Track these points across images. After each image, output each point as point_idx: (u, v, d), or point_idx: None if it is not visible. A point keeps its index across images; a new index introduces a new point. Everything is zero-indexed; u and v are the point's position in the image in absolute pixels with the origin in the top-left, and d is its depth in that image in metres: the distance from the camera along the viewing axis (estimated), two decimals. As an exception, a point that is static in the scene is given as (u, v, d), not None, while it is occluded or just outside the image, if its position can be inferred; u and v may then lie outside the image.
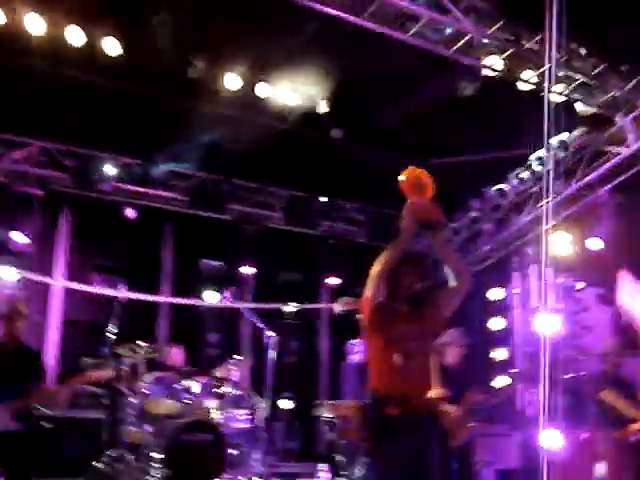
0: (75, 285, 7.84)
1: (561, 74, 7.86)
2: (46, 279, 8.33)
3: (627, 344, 6.66)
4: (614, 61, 8.16)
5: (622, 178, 8.88)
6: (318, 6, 6.84)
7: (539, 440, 8.14)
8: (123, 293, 7.00)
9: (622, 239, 8.44)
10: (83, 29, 7.55)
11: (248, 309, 8.78)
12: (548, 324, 5.67)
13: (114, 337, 6.86)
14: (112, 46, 7.65)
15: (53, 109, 7.98)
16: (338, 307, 5.49)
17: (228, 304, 8.53)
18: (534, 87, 8.02)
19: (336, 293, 10.15)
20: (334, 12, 6.94)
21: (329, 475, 8.01)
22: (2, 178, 8.66)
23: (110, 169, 9.03)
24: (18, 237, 8.49)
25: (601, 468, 6.40)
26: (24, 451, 5.42)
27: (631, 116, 8.50)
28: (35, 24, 7.38)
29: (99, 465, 6.68)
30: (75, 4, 7.41)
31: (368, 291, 4.23)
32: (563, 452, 7.27)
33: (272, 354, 7.58)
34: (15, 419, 5.46)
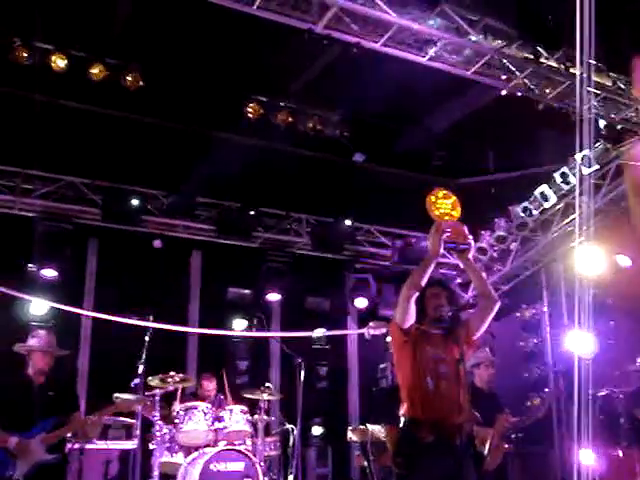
0: (104, 316, 7.87)
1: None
2: (76, 310, 8.38)
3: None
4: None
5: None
6: (337, 34, 6.91)
7: (575, 459, 8.04)
8: (152, 324, 7.01)
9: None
10: (104, 64, 7.68)
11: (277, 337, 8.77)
12: (580, 342, 5.61)
13: (144, 367, 6.88)
14: (133, 80, 7.75)
15: (79, 144, 8.10)
16: (368, 332, 5.46)
17: (256, 334, 8.52)
18: (554, 104, 8.02)
19: (364, 317, 10.11)
20: (353, 39, 7.00)
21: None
22: (32, 214, 8.78)
23: (136, 201, 9.11)
24: (48, 271, 8.57)
25: None
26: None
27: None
28: (58, 61, 7.52)
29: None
30: (96, 40, 7.55)
31: (397, 314, 4.22)
32: (599, 470, 7.16)
33: (302, 380, 7.56)
34: (50, 451, 5.51)
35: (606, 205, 9.16)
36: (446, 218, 4.15)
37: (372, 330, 5.45)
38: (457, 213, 4.21)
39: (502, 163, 8.56)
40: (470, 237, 4.18)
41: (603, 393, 8.10)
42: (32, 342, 5.90)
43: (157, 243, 9.55)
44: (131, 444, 7.39)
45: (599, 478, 7.18)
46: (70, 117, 7.88)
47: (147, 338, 7.03)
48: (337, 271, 10.73)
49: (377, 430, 7.30)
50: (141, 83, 7.77)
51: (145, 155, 8.35)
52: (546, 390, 7.63)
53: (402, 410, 4.22)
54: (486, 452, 6.28)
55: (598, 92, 8.12)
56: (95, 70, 7.86)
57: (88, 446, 7.04)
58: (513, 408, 7.33)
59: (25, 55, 7.84)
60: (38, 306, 8.40)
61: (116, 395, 6.36)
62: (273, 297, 10.14)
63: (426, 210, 4.21)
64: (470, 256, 4.23)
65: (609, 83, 8.16)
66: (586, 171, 8.81)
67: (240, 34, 7.16)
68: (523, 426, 6.97)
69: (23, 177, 8.78)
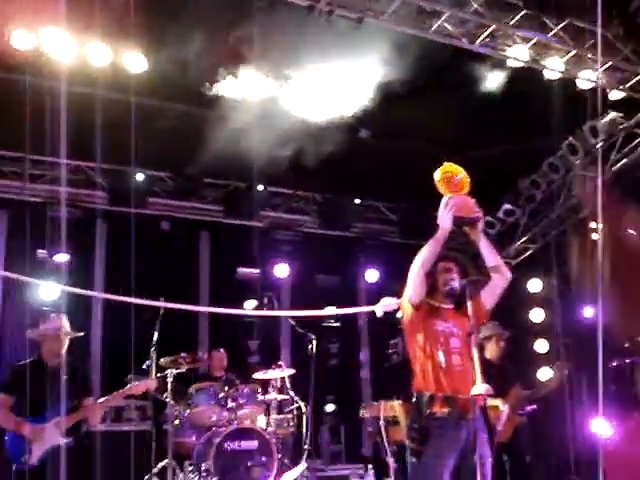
0: (116, 297, 7.89)
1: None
2: (88, 292, 8.41)
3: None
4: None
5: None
6: (339, 10, 6.85)
7: (591, 429, 8.07)
8: (163, 304, 7.03)
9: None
10: (107, 47, 7.63)
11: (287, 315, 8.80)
12: (598, 312, 5.59)
13: (156, 349, 6.91)
14: (137, 62, 7.71)
15: (84, 128, 8.07)
16: (380, 309, 5.46)
17: (267, 313, 8.54)
18: (561, 74, 7.96)
19: (374, 293, 10.13)
20: (355, 15, 6.95)
21: (376, 477, 7.99)
22: (40, 199, 8.79)
23: (142, 184, 9.10)
24: (58, 256, 8.59)
25: None
26: (75, 466, 5.49)
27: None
28: (61, 45, 7.47)
29: (148, 478, 6.74)
30: (98, 23, 7.50)
31: (408, 290, 4.22)
32: (615, 439, 7.18)
33: (313, 358, 7.58)
34: (65, 434, 5.54)
35: (614, 176, 9.12)
36: (455, 193, 4.13)
37: (384, 307, 5.43)
38: (466, 187, 4.19)
39: (508, 136, 8.49)
40: (479, 211, 4.16)
41: (615, 364, 8.11)
42: (44, 327, 5.91)
43: (164, 225, 9.57)
44: (145, 426, 7.45)
45: (615, 446, 7.20)
46: (75, 101, 7.83)
47: (158, 320, 7.05)
48: (346, 249, 10.74)
49: (389, 406, 7.34)
50: (145, 66, 7.72)
51: (150, 137, 8.31)
52: (557, 362, 7.62)
53: (414, 385, 4.24)
54: (499, 425, 6.31)
55: (606, 61, 8.06)
56: (96, 53, 7.83)
57: (103, 429, 7.11)
58: (524, 381, 7.35)
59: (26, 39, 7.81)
60: (49, 291, 8.43)
61: (130, 376, 6.39)
62: (282, 276, 10.16)
63: (435, 185, 4.19)
64: (480, 230, 4.22)
65: (616, 51, 8.08)
66: (593, 141, 8.79)
67: (239, 16, 7.09)
68: (535, 398, 6.98)
69: (30, 163, 8.78)
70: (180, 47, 7.28)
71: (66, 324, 5.95)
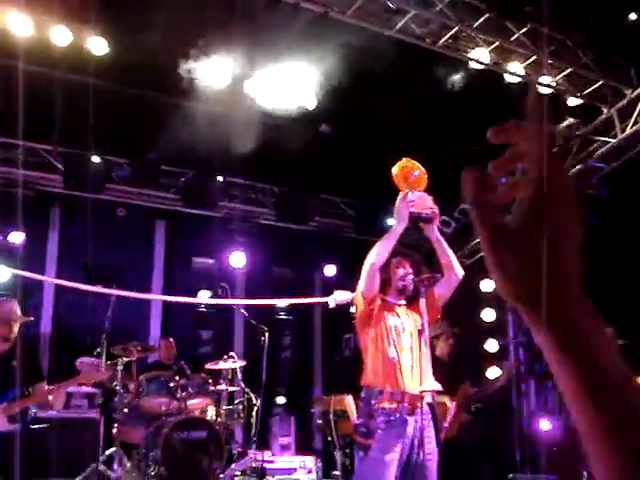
0: (67, 283, 7.81)
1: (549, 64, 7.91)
2: (38, 276, 8.29)
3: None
4: (600, 52, 8.20)
5: (609, 168, 8.97)
6: (305, 3, 6.85)
7: (535, 428, 8.22)
8: (115, 292, 6.97)
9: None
10: (69, 28, 7.52)
11: (241, 306, 8.78)
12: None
13: (107, 337, 6.85)
14: (99, 45, 7.62)
15: (40, 110, 7.94)
16: (332, 300, 5.48)
17: (221, 301, 8.53)
18: (521, 79, 8.07)
19: (329, 287, 10.17)
20: (320, 9, 6.95)
21: (324, 469, 8.04)
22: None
23: (100, 169, 9.00)
24: (10, 237, 8.46)
25: None
26: (20, 452, 5.42)
27: (618, 106, 8.55)
28: (20, 24, 7.34)
29: (95, 465, 6.68)
30: (59, 4, 7.38)
31: (360, 283, 4.24)
32: (559, 438, 7.33)
33: (265, 350, 7.58)
34: (11, 421, 5.46)
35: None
36: (412, 189, 4.15)
37: (337, 299, 5.46)
38: (423, 184, 4.22)
39: (467, 136, 8.58)
40: (436, 208, 4.19)
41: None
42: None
43: (120, 211, 9.47)
44: (94, 413, 7.39)
45: (559, 445, 7.34)
46: (33, 82, 7.71)
47: (110, 307, 6.99)
48: (302, 242, 10.75)
49: (339, 400, 7.39)
50: (106, 49, 7.62)
51: (109, 122, 8.22)
52: (506, 361, 7.75)
53: (363, 379, 4.27)
54: (446, 422, 6.40)
55: (563, 67, 8.20)
56: (57, 34, 7.70)
57: (50, 415, 7.03)
58: (473, 379, 7.45)
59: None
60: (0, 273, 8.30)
61: (79, 360, 6.32)
62: (238, 267, 10.13)
63: (392, 181, 4.22)
64: (435, 227, 4.26)
65: (575, 58, 8.22)
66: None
67: (206, 3, 7.05)
68: (482, 396, 7.09)
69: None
70: (143, 31, 7.21)
71: (17, 309, 5.87)
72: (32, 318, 6.19)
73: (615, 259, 8.09)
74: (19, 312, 5.85)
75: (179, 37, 7.54)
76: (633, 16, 7.50)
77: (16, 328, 5.76)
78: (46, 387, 5.86)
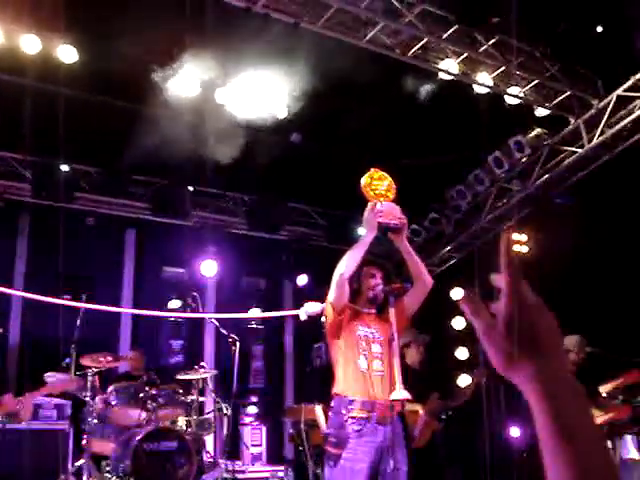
0: (35, 296, 7.72)
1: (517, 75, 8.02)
2: (5, 290, 8.19)
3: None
4: (567, 63, 8.33)
5: (575, 179, 9.10)
6: (275, 14, 6.88)
7: (506, 435, 8.26)
8: (84, 304, 6.91)
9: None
10: (38, 37, 7.47)
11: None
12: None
13: (76, 347, 6.79)
14: (68, 53, 7.57)
15: (9, 118, 7.88)
16: (303, 313, 5.49)
17: (191, 314, 8.49)
18: (489, 90, 8.16)
19: (300, 296, 10.18)
20: (290, 20, 6.98)
21: (295, 479, 8.02)
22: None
23: (69, 177, 8.93)
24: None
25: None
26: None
27: (585, 117, 8.67)
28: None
29: (64, 477, 6.61)
30: (29, 12, 7.33)
31: (331, 293, 4.25)
32: (529, 445, 7.38)
33: (236, 359, 7.56)
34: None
35: (536, 190, 9.40)
36: (381, 199, 4.18)
37: (307, 311, 5.46)
38: (392, 194, 4.25)
39: (437, 147, 8.66)
40: (404, 218, 4.22)
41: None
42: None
43: (89, 221, 9.40)
44: (63, 424, 7.31)
45: (527, 453, 7.39)
46: (1, 90, 7.64)
47: (79, 318, 6.94)
48: (273, 251, 10.75)
49: (310, 409, 7.38)
50: (76, 57, 7.58)
51: (78, 131, 8.16)
52: (475, 370, 7.77)
53: (334, 389, 4.27)
54: (417, 431, 6.42)
55: (531, 78, 8.31)
56: (26, 43, 7.64)
57: (19, 427, 6.94)
58: (444, 387, 7.48)
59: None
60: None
61: (47, 375, 6.26)
62: (208, 276, 10.10)
63: (361, 191, 4.24)
64: (404, 237, 4.28)
65: (543, 69, 8.34)
66: (518, 156, 9.04)
67: (177, 13, 7.04)
68: (453, 405, 7.11)
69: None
70: (113, 40, 7.18)
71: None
72: (0, 330, 6.11)
73: (584, 269, 8.18)
74: None
75: (149, 46, 7.53)
76: (599, 28, 7.62)
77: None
78: (14, 398, 5.78)
